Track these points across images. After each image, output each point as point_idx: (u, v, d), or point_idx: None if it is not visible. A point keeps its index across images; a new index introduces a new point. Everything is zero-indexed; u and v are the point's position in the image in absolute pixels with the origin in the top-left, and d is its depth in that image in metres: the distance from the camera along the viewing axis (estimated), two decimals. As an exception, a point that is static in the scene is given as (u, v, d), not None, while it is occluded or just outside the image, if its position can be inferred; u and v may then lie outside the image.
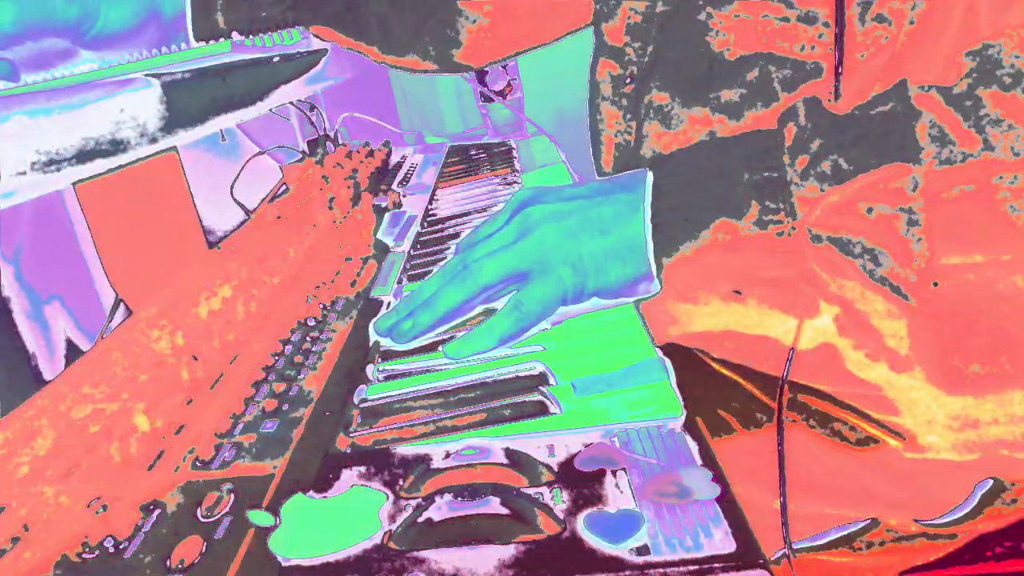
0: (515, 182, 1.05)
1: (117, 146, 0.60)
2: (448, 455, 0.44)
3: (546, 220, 0.55)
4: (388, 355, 0.58)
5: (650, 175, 0.55)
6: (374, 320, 0.62)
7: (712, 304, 0.59)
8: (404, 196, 1.05)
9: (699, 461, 0.42)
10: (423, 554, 0.37)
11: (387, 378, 0.56)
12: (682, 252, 0.52)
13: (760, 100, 0.59)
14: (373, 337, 0.60)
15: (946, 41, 0.52)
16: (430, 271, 0.75)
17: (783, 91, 0.58)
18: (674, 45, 0.65)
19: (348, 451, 0.46)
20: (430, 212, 0.97)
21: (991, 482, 0.57)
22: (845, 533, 0.60)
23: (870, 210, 0.49)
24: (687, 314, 0.61)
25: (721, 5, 0.61)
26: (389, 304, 0.67)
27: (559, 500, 0.39)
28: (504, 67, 1.60)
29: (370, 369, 0.56)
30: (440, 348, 0.57)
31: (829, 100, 0.55)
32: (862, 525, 0.59)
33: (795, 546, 0.59)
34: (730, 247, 0.51)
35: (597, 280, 0.54)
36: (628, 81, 0.70)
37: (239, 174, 1.02)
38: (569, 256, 0.54)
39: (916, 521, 0.59)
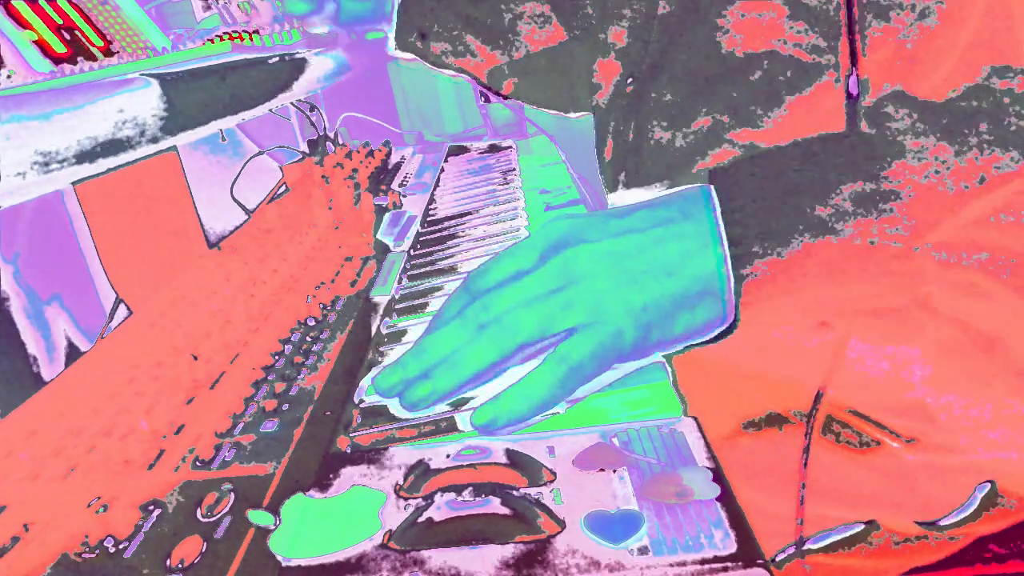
0: (515, 181, 1.05)
1: (117, 146, 0.60)
2: (448, 455, 0.44)
3: (598, 265, 0.46)
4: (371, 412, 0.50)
5: (715, 195, 0.46)
6: (373, 376, 0.50)
7: (780, 341, 0.52)
8: (404, 196, 1.05)
9: (699, 461, 0.42)
10: (423, 554, 0.37)
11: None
12: (773, 286, 0.44)
13: (765, 98, 0.57)
14: (366, 397, 0.51)
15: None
16: (430, 271, 0.75)
17: (787, 91, 0.56)
18: (678, 44, 0.64)
19: (348, 451, 0.46)
20: (430, 212, 0.97)
21: (991, 484, 0.57)
22: (845, 535, 0.60)
23: (1017, 218, 0.43)
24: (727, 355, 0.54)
25: (725, 4, 0.58)
26: (392, 301, 0.67)
27: (559, 500, 0.39)
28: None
29: (344, 443, 0.47)
30: (457, 414, 0.48)
31: (844, 101, 0.51)
32: (862, 527, 0.59)
33: (794, 548, 0.59)
34: (836, 276, 0.44)
35: (662, 331, 0.45)
36: (629, 81, 0.70)
37: (239, 174, 1.02)
38: (632, 307, 0.45)
39: (916, 523, 0.59)
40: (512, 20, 0.87)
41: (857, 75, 0.51)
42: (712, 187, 0.47)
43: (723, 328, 0.46)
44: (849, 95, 0.51)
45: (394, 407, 0.49)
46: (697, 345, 0.48)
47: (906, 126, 0.46)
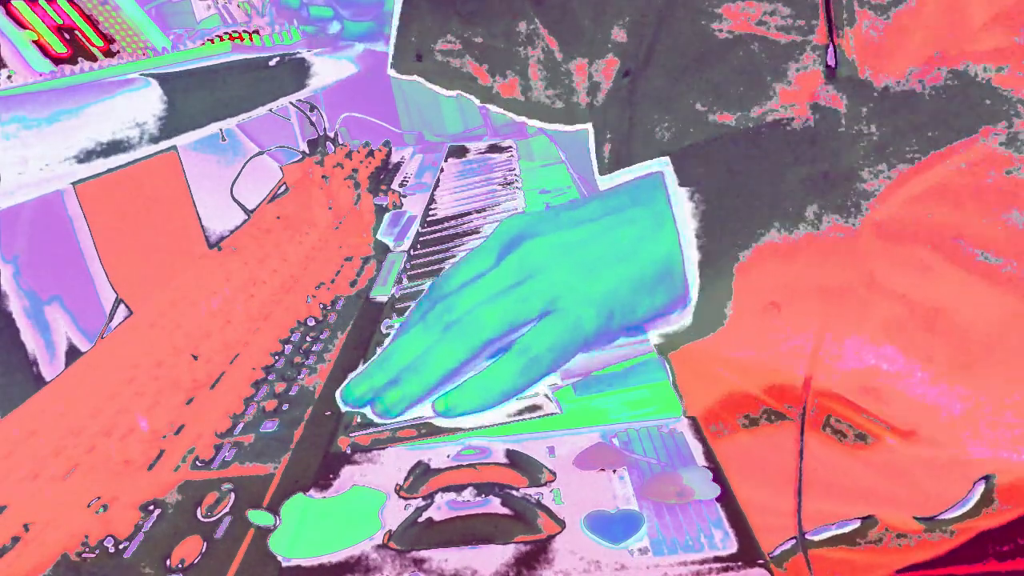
0: (515, 181, 1.05)
1: (117, 146, 0.60)
2: (448, 455, 0.44)
3: (553, 256, 0.47)
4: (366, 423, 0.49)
5: (670, 178, 0.47)
6: (341, 388, 0.50)
7: (741, 323, 0.53)
8: (404, 196, 1.05)
9: (699, 461, 0.42)
10: (423, 554, 0.37)
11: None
12: (723, 269, 0.45)
13: (749, 81, 0.58)
14: (343, 408, 0.50)
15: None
16: (430, 271, 0.75)
17: (770, 73, 0.57)
18: (673, 33, 0.64)
19: (348, 451, 0.46)
20: (430, 212, 0.97)
21: (990, 478, 0.57)
22: (843, 530, 0.60)
23: (956, 193, 0.44)
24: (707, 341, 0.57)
25: None
26: (392, 300, 0.67)
27: (559, 500, 0.39)
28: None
29: (344, 443, 0.47)
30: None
31: (824, 77, 0.52)
32: (860, 522, 0.59)
33: (792, 544, 0.59)
34: (781, 256, 0.45)
35: (624, 317, 0.46)
36: (626, 75, 0.71)
37: (239, 174, 1.02)
38: (590, 296, 0.45)
39: (915, 518, 0.59)
40: (508, 40, 0.88)
41: (836, 51, 0.52)
42: (664, 172, 0.47)
43: (685, 318, 0.47)
44: (828, 70, 0.52)
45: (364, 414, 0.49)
46: (692, 336, 0.49)
47: (855, 110, 0.46)
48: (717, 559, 0.34)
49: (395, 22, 0.90)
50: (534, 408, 0.47)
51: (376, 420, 0.48)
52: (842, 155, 0.45)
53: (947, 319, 0.47)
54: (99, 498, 0.42)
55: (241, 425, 0.50)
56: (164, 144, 0.64)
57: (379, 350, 0.51)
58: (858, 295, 0.47)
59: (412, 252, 0.81)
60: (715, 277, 0.45)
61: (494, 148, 1.33)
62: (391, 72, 0.93)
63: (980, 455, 0.56)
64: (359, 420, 0.50)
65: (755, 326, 0.52)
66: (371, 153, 1.24)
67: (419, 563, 0.36)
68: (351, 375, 0.50)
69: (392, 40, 0.91)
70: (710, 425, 0.60)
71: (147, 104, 0.64)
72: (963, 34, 0.48)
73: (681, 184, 0.46)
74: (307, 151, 1.24)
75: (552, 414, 0.48)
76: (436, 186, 1.11)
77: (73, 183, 0.60)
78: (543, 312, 0.46)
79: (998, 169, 0.43)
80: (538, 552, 0.36)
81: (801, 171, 0.45)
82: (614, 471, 0.41)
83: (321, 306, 0.67)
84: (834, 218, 0.44)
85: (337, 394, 0.50)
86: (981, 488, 0.57)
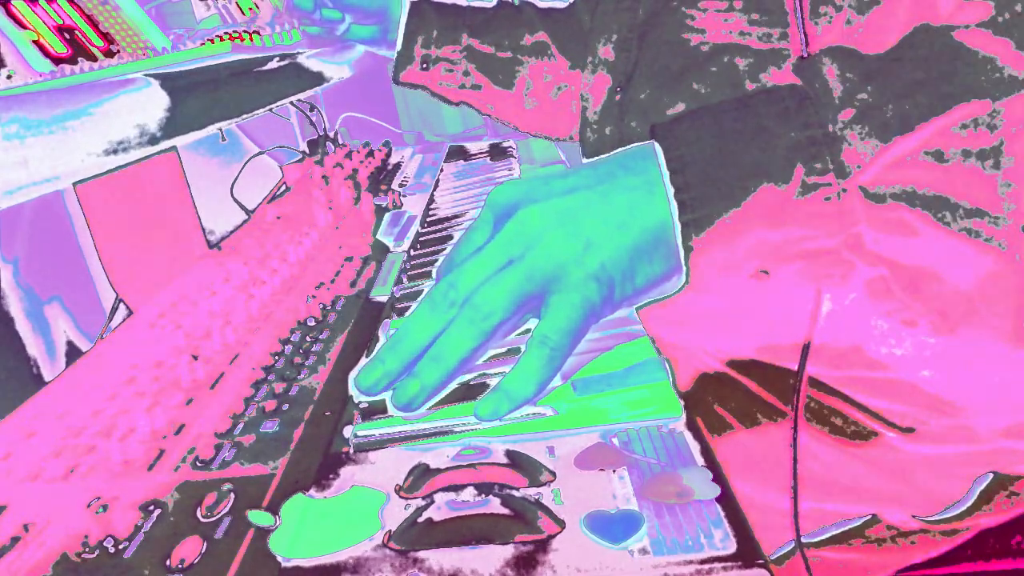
0: (515, 182, 1.05)
1: (117, 146, 0.60)
2: (448, 455, 0.44)
3: (549, 224, 0.46)
4: (369, 413, 0.49)
5: (658, 147, 0.47)
6: (354, 375, 0.49)
7: (730, 289, 0.53)
8: (404, 196, 1.05)
9: (699, 461, 0.42)
10: (423, 554, 0.37)
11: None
12: (716, 233, 0.45)
13: (730, 88, 0.59)
14: (356, 396, 0.49)
15: None
16: (430, 271, 0.75)
17: (749, 79, 0.58)
18: (655, 46, 0.66)
19: (349, 451, 0.46)
20: (430, 212, 0.97)
21: (990, 476, 0.57)
22: (843, 529, 0.60)
23: (941, 156, 0.44)
24: (691, 308, 0.58)
25: (690, 3, 0.61)
26: (392, 300, 0.67)
27: (559, 500, 0.39)
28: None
29: (348, 430, 0.47)
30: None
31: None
32: (861, 521, 0.59)
33: (793, 544, 0.59)
34: (772, 220, 0.45)
35: (624, 287, 0.47)
36: (618, 90, 0.72)
37: (239, 174, 1.02)
38: (589, 266, 0.46)
39: (915, 517, 0.59)
40: (514, 51, 0.88)
41: (807, 48, 0.54)
42: (655, 142, 0.48)
43: (682, 282, 0.47)
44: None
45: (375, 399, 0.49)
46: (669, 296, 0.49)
47: (843, 77, 0.47)
48: (717, 559, 0.34)
49: (401, 32, 0.90)
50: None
51: (398, 414, 0.47)
52: (829, 119, 0.45)
53: (931, 281, 0.48)
54: (99, 498, 0.42)
55: (241, 425, 0.50)
56: (164, 144, 0.64)
57: (383, 337, 0.50)
58: (844, 259, 0.47)
59: (412, 252, 0.81)
60: (703, 244, 0.46)
61: (494, 148, 1.33)
62: (394, 79, 0.93)
63: (987, 426, 0.55)
64: (359, 420, 0.49)
65: (746, 295, 0.51)
66: (371, 153, 1.24)
67: (419, 563, 0.36)
68: (362, 362, 0.50)
69: (397, 49, 0.91)
70: (708, 423, 0.60)
71: (147, 104, 0.64)
72: (945, 8, 0.49)
73: (667, 151, 0.47)
74: (307, 151, 1.24)
75: (538, 414, 0.47)
76: (436, 186, 1.11)
77: (73, 183, 0.60)
78: (545, 286, 0.46)
79: (982, 131, 0.44)
80: (538, 552, 0.36)
81: (788, 135, 0.45)
82: (614, 471, 0.41)
83: (321, 306, 0.67)
84: (821, 181, 0.45)
85: (350, 381, 0.50)
86: (980, 486, 0.57)
